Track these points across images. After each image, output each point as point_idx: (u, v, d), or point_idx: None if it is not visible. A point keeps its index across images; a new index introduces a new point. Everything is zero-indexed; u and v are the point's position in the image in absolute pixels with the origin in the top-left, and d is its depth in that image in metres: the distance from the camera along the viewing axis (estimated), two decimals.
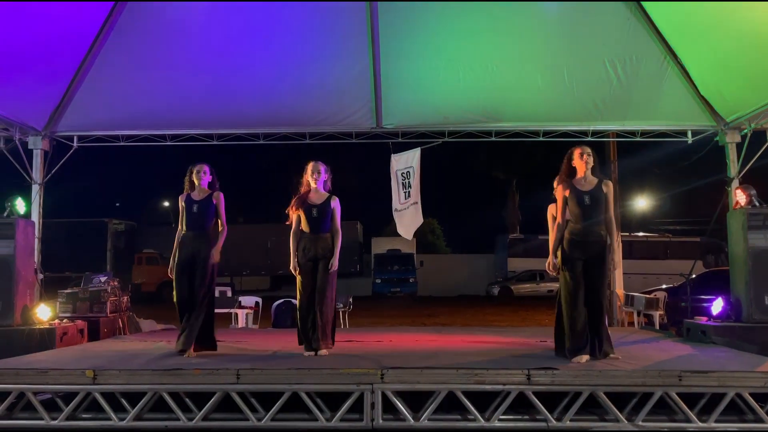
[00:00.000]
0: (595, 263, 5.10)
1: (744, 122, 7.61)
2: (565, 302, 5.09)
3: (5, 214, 6.70)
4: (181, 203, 5.69)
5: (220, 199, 5.67)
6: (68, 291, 7.31)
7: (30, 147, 8.15)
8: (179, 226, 5.70)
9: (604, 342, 5.12)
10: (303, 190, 5.59)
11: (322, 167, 5.58)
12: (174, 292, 5.53)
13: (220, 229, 5.68)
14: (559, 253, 5.22)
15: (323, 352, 5.37)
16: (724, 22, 6.41)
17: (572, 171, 5.19)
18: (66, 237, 23.25)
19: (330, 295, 5.51)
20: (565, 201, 5.16)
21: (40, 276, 7.53)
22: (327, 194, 5.59)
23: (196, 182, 5.67)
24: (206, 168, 5.69)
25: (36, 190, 8.14)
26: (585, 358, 4.95)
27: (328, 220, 5.54)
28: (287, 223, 5.65)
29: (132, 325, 7.85)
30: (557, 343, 5.33)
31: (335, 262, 5.51)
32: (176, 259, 5.56)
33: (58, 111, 8.01)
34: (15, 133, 7.78)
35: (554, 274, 5.30)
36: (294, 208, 5.56)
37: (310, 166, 5.58)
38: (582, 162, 5.12)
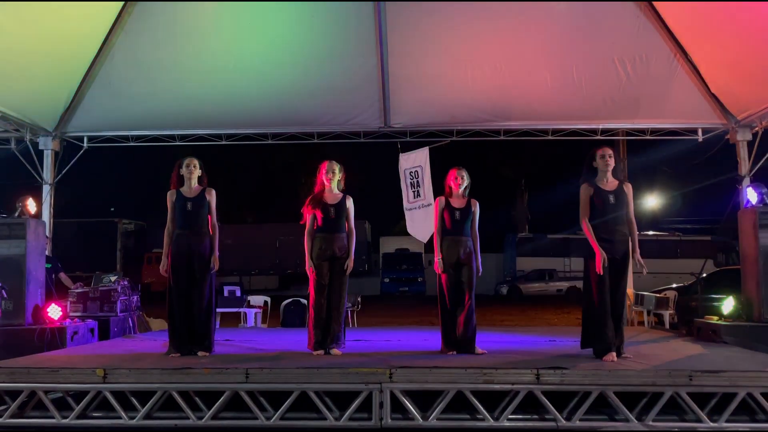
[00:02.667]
0: (620, 262, 5.12)
1: (755, 120, 7.56)
2: (598, 301, 5.03)
3: (16, 214, 6.75)
4: (171, 200, 5.49)
5: (213, 195, 5.55)
6: (79, 290, 7.36)
7: (41, 147, 8.22)
8: (169, 224, 5.49)
9: (623, 341, 5.16)
10: (317, 189, 5.59)
11: (336, 167, 5.57)
12: (168, 294, 5.41)
13: (212, 229, 5.55)
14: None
15: (337, 352, 5.39)
16: (734, 19, 6.36)
17: (593, 171, 5.20)
18: (76, 237, 23.44)
19: (345, 295, 5.55)
20: (591, 201, 5.12)
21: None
22: (341, 193, 5.60)
23: (186, 177, 5.50)
24: (196, 162, 5.54)
25: (47, 191, 8.20)
26: (613, 356, 4.94)
27: (344, 219, 5.56)
28: (302, 222, 5.62)
29: (142, 325, 7.89)
30: (586, 339, 5.24)
31: (351, 263, 5.53)
32: (171, 259, 5.43)
33: (69, 112, 8.07)
34: (26, 133, 7.84)
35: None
36: (310, 208, 5.53)
37: (324, 166, 5.56)
38: (603, 162, 5.14)
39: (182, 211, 5.45)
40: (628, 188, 5.20)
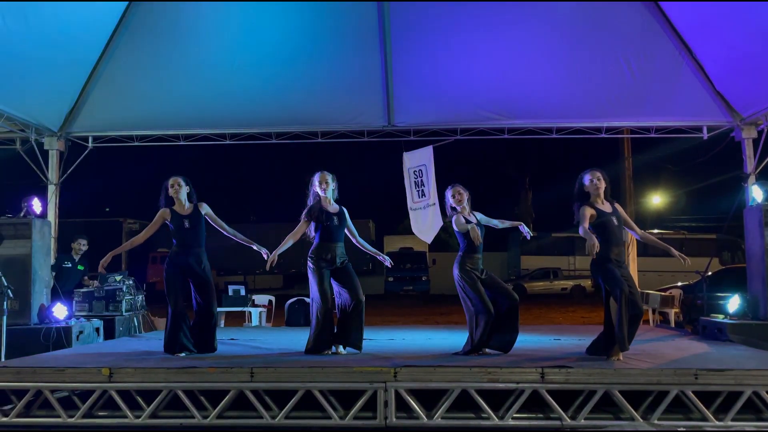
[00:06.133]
0: (629, 276, 5.12)
1: (761, 118, 7.53)
2: (622, 300, 4.90)
3: (21, 214, 6.78)
4: (164, 217, 5.54)
5: (207, 208, 5.63)
6: (84, 290, 7.39)
7: (46, 148, 8.24)
8: (142, 234, 5.59)
9: None
10: (314, 201, 5.55)
11: (328, 176, 5.56)
12: (171, 312, 5.43)
13: (231, 233, 5.67)
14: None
15: (342, 351, 5.44)
16: (739, 16, 6.34)
17: (586, 195, 5.16)
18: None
19: (361, 293, 5.54)
20: (594, 225, 5.02)
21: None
22: (337, 204, 5.62)
23: (175, 197, 5.56)
24: (181, 180, 5.59)
25: (52, 191, 8.23)
26: (620, 354, 4.94)
27: (345, 228, 5.60)
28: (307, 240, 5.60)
29: (147, 324, 7.92)
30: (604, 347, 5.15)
31: (385, 259, 5.80)
32: (169, 276, 5.48)
33: (73, 112, 8.10)
34: (31, 134, 7.87)
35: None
36: (311, 218, 5.49)
37: (317, 178, 5.54)
38: (593, 187, 5.11)
39: (180, 229, 5.53)
40: (620, 207, 5.25)
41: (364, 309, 5.53)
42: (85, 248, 7.92)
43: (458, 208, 5.50)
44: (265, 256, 5.54)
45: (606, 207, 5.13)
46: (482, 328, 5.25)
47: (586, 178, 5.15)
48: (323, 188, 5.52)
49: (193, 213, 5.57)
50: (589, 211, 5.03)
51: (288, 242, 5.53)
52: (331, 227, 5.47)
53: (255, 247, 5.68)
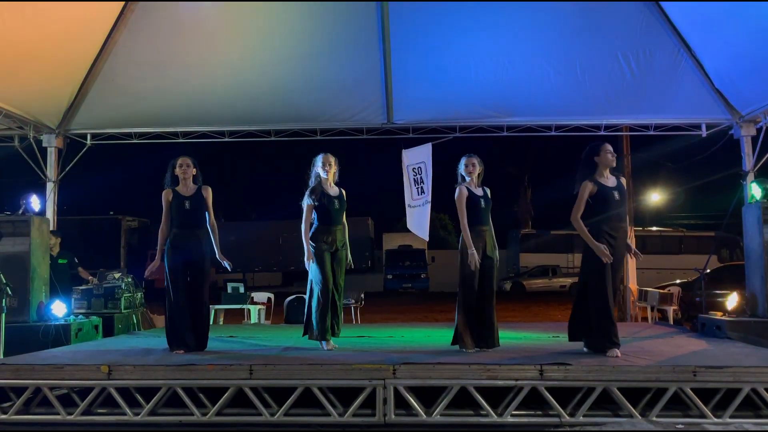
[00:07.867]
0: (620, 260, 5.10)
1: (759, 115, 7.53)
2: (609, 295, 4.92)
3: (20, 212, 6.77)
4: (168, 199, 5.45)
5: (210, 193, 5.54)
6: (83, 287, 7.39)
7: (44, 145, 8.24)
8: (163, 224, 5.45)
9: None
10: (315, 182, 5.56)
11: (332, 159, 5.56)
12: (168, 294, 5.38)
13: (211, 225, 5.53)
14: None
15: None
16: (739, 14, 6.34)
17: (592, 167, 5.12)
18: (80, 234, 23.49)
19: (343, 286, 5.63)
20: (594, 197, 5.02)
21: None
22: (337, 187, 5.62)
23: (181, 177, 5.46)
24: (190, 161, 5.51)
25: (50, 188, 8.22)
26: (618, 352, 4.90)
27: (344, 211, 5.60)
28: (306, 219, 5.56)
29: (146, 321, 7.92)
30: (579, 332, 5.20)
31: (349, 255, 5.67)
32: (169, 259, 5.40)
33: (72, 109, 8.09)
34: (29, 131, 7.87)
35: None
36: (313, 200, 5.47)
37: (321, 159, 5.54)
38: (608, 159, 5.08)
39: (180, 210, 5.44)
40: (624, 182, 5.20)
41: (341, 297, 5.58)
42: (54, 241, 7.66)
43: (467, 179, 5.47)
44: (228, 267, 5.52)
45: (609, 181, 5.09)
46: (464, 297, 5.31)
47: (600, 149, 5.07)
48: (326, 169, 5.51)
49: (196, 194, 5.48)
50: (587, 192, 5.01)
51: (307, 232, 5.51)
52: (331, 210, 5.48)
53: (218, 256, 5.55)
